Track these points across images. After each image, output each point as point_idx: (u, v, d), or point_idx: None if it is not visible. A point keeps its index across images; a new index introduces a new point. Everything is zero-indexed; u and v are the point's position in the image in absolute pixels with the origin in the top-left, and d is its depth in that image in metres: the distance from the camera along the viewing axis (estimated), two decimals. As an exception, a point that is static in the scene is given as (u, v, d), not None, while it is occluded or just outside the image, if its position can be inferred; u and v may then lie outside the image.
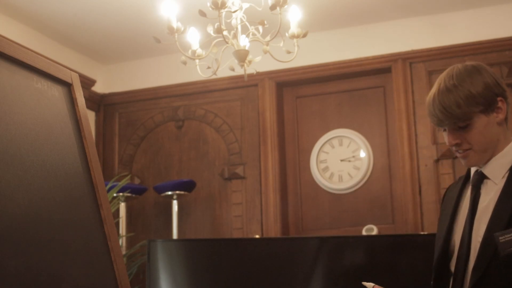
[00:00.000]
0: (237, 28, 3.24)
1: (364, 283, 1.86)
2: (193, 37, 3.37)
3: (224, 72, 3.68)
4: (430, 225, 4.25)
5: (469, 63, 1.86)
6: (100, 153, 5.10)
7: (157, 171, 5.00)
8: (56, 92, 1.54)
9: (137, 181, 4.99)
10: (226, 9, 3.07)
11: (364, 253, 3.26)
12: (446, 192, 2.06)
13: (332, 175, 4.68)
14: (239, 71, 3.56)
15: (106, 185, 3.90)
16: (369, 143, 4.62)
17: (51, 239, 1.34)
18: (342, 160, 4.68)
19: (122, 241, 4.55)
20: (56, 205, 1.40)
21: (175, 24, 3.11)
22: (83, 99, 1.64)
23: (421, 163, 4.35)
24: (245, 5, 3.23)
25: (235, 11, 3.19)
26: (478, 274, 1.71)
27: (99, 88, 5.19)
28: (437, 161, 4.32)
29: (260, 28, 3.26)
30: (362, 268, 3.21)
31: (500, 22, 4.32)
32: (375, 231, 4.35)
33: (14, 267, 1.21)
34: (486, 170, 1.84)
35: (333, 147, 4.71)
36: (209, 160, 4.87)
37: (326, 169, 4.69)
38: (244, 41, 3.24)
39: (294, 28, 3.25)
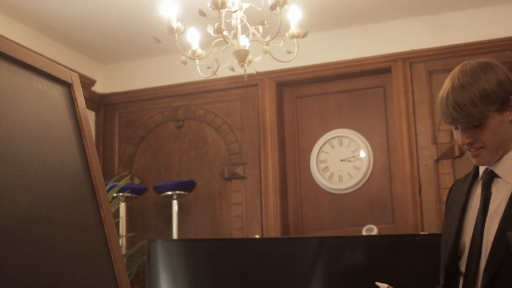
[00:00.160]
0: (237, 28, 3.24)
1: (378, 284, 1.85)
2: (193, 37, 3.37)
3: (224, 72, 3.68)
4: (430, 225, 4.25)
5: (481, 59, 1.84)
6: (100, 153, 5.10)
7: (157, 171, 5.00)
8: (56, 92, 1.54)
9: (137, 181, 4.99)
10: (226, 9, 3.07)
11: (364, 253, 3.26)
12: (451, 189, 2.04)
13: (332, 175, 4.68)
14: (239, 71, 3.56)
15: (106, 185, 3.90)
16: (369, 143, 4.62)
17: (51, 239, 1.34)
18: (342, 160, 4.68)
19: (122, 241, 4.55)
20: (56, 205, 1.40)
21: (175, 24, 3.11)
22: (83, 99, 1.64)
23: (421, 163, 4.35)
24: (245, 5, 3.23)
25: (235, 11, 3.19)
26: (490, 273, 1.70)
27: (99, 88, 5.19)
28: (437, 161, 4.32)
29: (260, 28, 3.26)
30: (362, 268, 3.21)
31: (500, 22, 4.32)
32: (375, 231, 4.35)
33: (14, 267, 1.21)
34: (497, 169, 1.82)
35: (333, 147, 4.71)
36: (209, 160, 4.87)
37: (326, 169, 4.69)
38: (244, 41, 3.24)
39: (294, 28, 3.25)
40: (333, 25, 4.63)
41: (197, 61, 3.34)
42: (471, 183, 1.91)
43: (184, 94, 5.02)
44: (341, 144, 4.70)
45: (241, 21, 3.25)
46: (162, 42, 3.22)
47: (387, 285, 1.83)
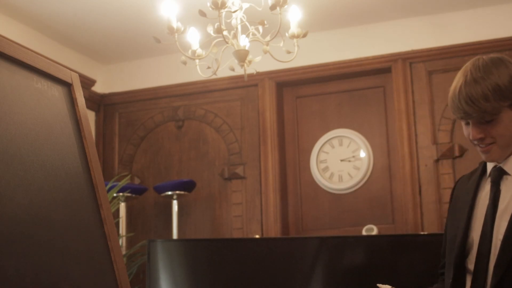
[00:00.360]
0: (237, 28, 3.24)
1: (380, 286, 1.84)
2: (193, 37, 3.37)
3: (224, 72, 3.68)
4: (430, 225, 4.25)
5: (494, 55, 1.83)
6: (100, 153, 5.10)
7: (157, 171, 5.00)
8: (56, 92, 1.54)
9: (137, 181, 4.99)
10: (226, 9, 3.07)
11: (364, 253, 3.26)
12: (456, 184, 2.03)
13: (332, 175, 4.68)
14: (239, 71, 3.56)
15: (106, 185, 3.90)
16: (369, 143, 4.62)
17: (51, 239, 1.34)
18: (342, 160, 4.68)
19: (122, 241, 4.55)
20: (56, 205, 1.40)
21: (175, 24, 3.11)
22: (83, 99, 1.64)
23: (421, 163, 4.35)
24: (245, 5, 3.23)
25: (235, 11, 3.19)
26: (500, 272, 1.70)
27: (99, 88, 5.19)
28: (437, 161, 4.32)
29: (260, 28, 3.25)
30: (362, 268, 3.21)
31: (500, 22, 4.32)
32: (375, 231, 4.35)
33: (14, 267, 1.21)
34: (506, 166, 1.82)
35: (333, 147, 4.71)
36: (209, 160, 4.87)
37: (326, 169, 4.69)
38: (244, 41, 3.24)
39: (294, 28, 3.25)
40: (333, 25, 4.63)
41: (197, 61, 3.34)
42: (478, 180, 1.89)
43: (184, 94, 5.02)
44: (341, 144, 4.70)
45: (241, 21, 3.25)
46: (162, 42, 3.22)
47: (390, 286, 1.82)
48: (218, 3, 2.97)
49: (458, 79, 1.80)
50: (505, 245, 1.71)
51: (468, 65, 1.82)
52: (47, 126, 1.46)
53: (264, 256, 3.35)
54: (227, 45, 3.23)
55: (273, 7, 3.03)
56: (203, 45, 3.38)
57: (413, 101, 4.44)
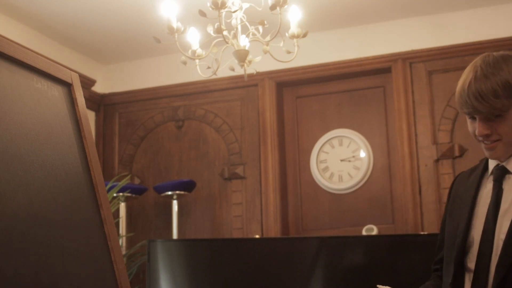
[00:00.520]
0: (237, 28, 3.24)
1: (379, 286, 1.84)
2: (193, 37, 3.37)
3: (224, 72, 3.68)
4: (430, 225, 4.25)
5: (503, 51, 1.82)
6: (100, 153, 5.10)
7: (157, 171, 5.00)
8: (56, 92, 1.54)
9: (137, 181, 4.99)
10: (226, 9, 3.07)
11: (364, 253, 3.26)
12: (455, 181, 2.02)
13: (332, 175, 4.68)
14: (239, 71, 3.56)
15: (106, 185, 3.90)
16: (369, 143, 4.62)
17: (51, 239, 1.34)
18: (342, 160, 4.68)
19: (122, 241, 4.55)
20: (56, 205, 1.40)
21: (175, 24, 3.11)
22: (83, 99, 1.63)
23: (421, 163, 4.35)
24: (245, 5, 3.23)
25: (235, 11, 3.19)
26: (502, 272, 1.69)
27: (99, 88, 5.19)
28: (437, 161, 4.32)
29: (260, 28, 3.25)
30: (362, 268, 3.21)
31: (500, 22, 4.32)
32: (375, 231, 4.35)
33: (14, 267, 1.21)
34: (510, 165, 1.81)
35: (333, 147, 4.71)
36: (209, 160, 4.87)
37: (326, 169, 4.69)
38: (244, 41, 3.24)
39: (294, 28, 3.25)
40: (333, 25, 4.63)
41: (197, 61, 3.34)
42: (480, 178, 1.88)
43: (184, 94, 5.02)
44: (341, 144, 4.70)
45: (241, 21, 3.25)
46: (162, 42, 3.22)
47: None
48: (218, 3, 2.97)
49: (467, 74, 1.78)
50: (507, 245, 1.71)
51: (477, 60, 1.80)
52: (47, 126, 1.46)
53: (264, 256, 3.35)
54: (227, 45, 3.23)
55: (273, 7, 3.03)
56: (203, 45, 3.38)
57: (413, 101, 4.44)
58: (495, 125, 1.76)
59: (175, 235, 4.59)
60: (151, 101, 5.11)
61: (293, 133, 4.85)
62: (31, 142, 1.39)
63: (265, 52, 3.29)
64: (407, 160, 4.37)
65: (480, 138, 1.80)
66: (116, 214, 4.58)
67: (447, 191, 4.21)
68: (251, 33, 3.27)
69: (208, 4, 3.02)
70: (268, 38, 3.21)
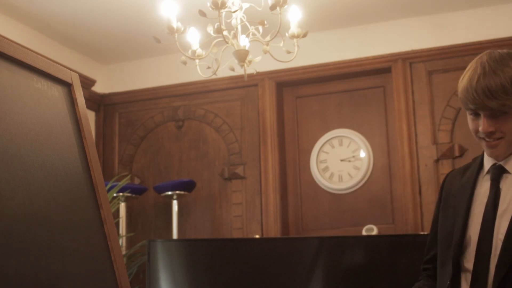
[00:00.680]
0: (237, 28, 3.24)
1: None
2: (193, 37, 3.37)
3: (224, 72, 3.68)
4: (430, 225, 4.24)
5: (506, 49, 1.82)
6: (100, 153, 5.10)
7: (157, 171, 5.00)
8: (56, 92, 1.54)
9: (137, 181, 4.99)
10: (226, 9, 3.07)
11: (364, 253, 3.26)
12: (446, 179, 2.01)
13: (332, 175, 4.68)
14: (239, 71, 3.56)
15: (106, 185, 3.90)
16: (369, 143, 4.62)
17: (51, 239, 1.34)
18: (342, 160, 4.68)
19: (122, 241, 4.55)
20: (56, 205, 1.40)
21: (175, 24, 3.11)
22: (83, 99, 1.63)
23: (421, 163, 4.35)
24: (245, 5, 3.23)
25: (235, 11, 3.19)
26: (502, 272, 1.69)
27: (99, 88, 5.19)
28: (437, 161, 4.32)
29: (260, 28, 3.25)
30: (362, 268, 3.21)
31: (500, 22, 4.32)
32: (375, 231, 4.35)
33: (14, 267, 1.21)
34: (508, 165, 1.81)
35: (333, 147, 4.71)
36: (209, 160, 4.87)
37: (326, 169, 4.69)
38: (244, 41, 3.24)
39: (294, 28, 3.25)
40: (333, 25, 4.63)
41: (197, 61, 3.34)
42: (475, 177, 1.88)
43: (184, 94, 5.02)
44: (341, 144, 4.70)
45: (241, 21, 3.25)
46: (162, 42, 3.22)
47: None
48: (218, 3, 2.97)
49: (473, 70, 1.77)
50: (507, 245, 1.70)
51: (482, 56, 1.79)
52: (47, 126, 1.46)
53: (264, 256, 3.35)
54: (227, 45, 3.23)
55: (273, 7, 3.03)
56: (203, 45, 3.38)
57: (413, 101, 4.44)
58: (499, 123, 1.76)
59: (175, 235, 4.59)
60: (151, 101, 5.11)
61: (293, 133, 4.85)
62: (31, 142, 1.39)
63: (265, 52, 3.29)
64: (407, 160, 4.37)
65: (482, 135, 1.79)
66: (116, 214, 4.58)
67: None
68: (251, 33, 3.27)
69: (208, 4, 3.02)
70: (268, 38, 3.21)
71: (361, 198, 4.59)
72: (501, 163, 1.82)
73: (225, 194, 4.78)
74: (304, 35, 3.26)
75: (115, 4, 4.16)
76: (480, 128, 1.77)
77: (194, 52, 3.34)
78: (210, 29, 3.20)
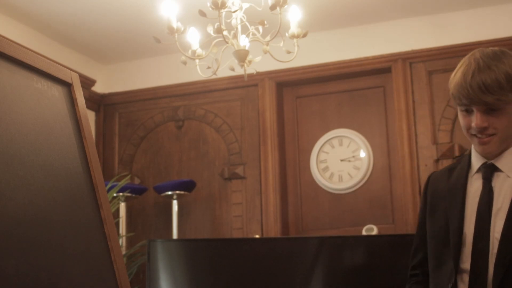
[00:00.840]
0: (237, 28, 3.24)
1: None
2: (193, 37, 3.37)
3: (224, 72, 3.68)
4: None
5: (496, 47, 1.82)
6: (100, 153, 5.10)
7: (157, 171, 5.00)
8: (56, 92, 1.54)
9: (137, 181, 4.99)
10: (226, 9, 3.07)
11: (364, 253, 3.26)
12: (429, 182, 1.98)
13: (332, 175, 4.68)
14: (239, 71, 3.56)
15: (106, 185, 3.90)
16: (369, 143, 4.62)
17: (51, 239, 1.34)
18: (342, 160, 4.68)
19: (122, 241, 4.55)
20: (56, 205, 1.40)
21: (175, 24, 3.11)
22: (83, 99, 1.63)
23: (421, 163, 4.35)
24: (245, 5, 3.23)
25: (235, 11, 3.19)
26: (502, 271, 1.68)
27: (99, 88, 5.19)
28: (437, 161, 4.32)
29: (260, 28, 3.26)
30: (362, 268, 3.21)
31: (500, 22, 4.32)
32: (375, 231, 4.35)
33: (14, 267, 1.21)
34: (499, 163, 1.80)
35: (333, 147, 4.71)
36: (209, 160, 4.87)
37: (326, 169, 4.69)
38: (244, 41, 3.24)
39: (294, 28, 3.25)
40: (333, 25, 4.63)
41: (197, 61, 3.34)
42: (466, 176, 1.86)
43: (184, 94, 5.02)
44: (341, 144, 4.70)
45: (241, 21, 3.25)
46: (162, 42, 3.22)
47: None
48: (218, 3, 2.97)
49: (467, 66, 1.76)
50: (505, 244, 1.70)
51: (475, 53, 1.79)
52: (47, 126, 1.46)
53: (264, 256, 3.35)
54: (227, 45, 3.23)
55: (273, 7, 3.03)
56: (203, 45, 3.38)
57: (413, 101, 4.44)
58: (493, 119, 1.75)
59: (175, 235, 4.59)
60: (151, 101, 5.11)
61: (293, 133, 4.85)
62: (31, 142, 1.39)
63: (265, 52, 3.29)
64: (407, 160, 4.37)
65: (475, 132, 1.78)
66: (116, 214, 4.58)
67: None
68: (251, 33, 3.27)
69: (208, 4, 3.02)
70: (268, 38, 3.21)
71: (361, 198, 4.59)
72: (492, 161, 1.81)
73: (225, 194, 4.78)
74: (304, 35, 3.26)
75: (115, 4, 4.16)
76: (473, 124, 1.76)
77: (194, 52, 3.34)
78: (210, 29, 3.20)
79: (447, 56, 4.38)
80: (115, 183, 4.34)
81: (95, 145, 1.65)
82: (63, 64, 4.34)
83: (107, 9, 4.23)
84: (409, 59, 4.49)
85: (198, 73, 3.38)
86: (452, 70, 1.87)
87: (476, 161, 1.86)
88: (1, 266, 1.18)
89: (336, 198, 4.65)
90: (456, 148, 4.27)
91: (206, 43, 3.37)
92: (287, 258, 3.28)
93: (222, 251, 3.41)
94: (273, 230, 4.58)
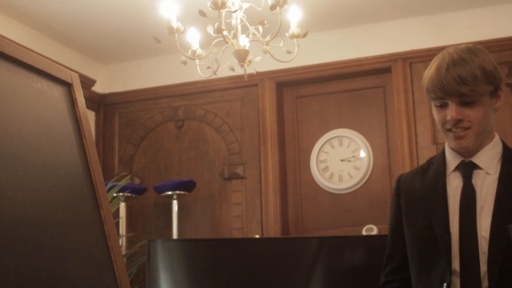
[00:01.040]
0: (237, 28, 3.24)
1: None
2: (193, 37, 3.37)
3: (224, 72, 3.68)
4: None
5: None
6: (100, 153, 5.10)
7: (157, 171, 5.00)
8: (56, 92, 1.54)
9: (137, 181, 4.99)
10: (226, 9, 3.07)
11: (364, 253, 3.26)
12: (399, 184, 1.94)
13: (332, 175, 4.68)
14: (239, 71, 3.56)
15: (106, 185, 3.90)
16: (369, 143, 4.62)
17: (51, 239, 1.34)
18: (342, 160, 4.68)
19: (122, 241, 4.55)
20: (56, 205, 1.40)
21: (175, 24, 3.11)
22: (83, 99, 1.63)
23: (421, 163, 4.34)
24: (245, 5, 3.23)
25: (235, 11, 3.19)
26: (497, 269, 1.66)
27: (99, 88, 5.19)
28: (437, 161, 4.32)
29: (260, 28, 3.25)
30: (362, 268, 3.21)
31: (500, 22, 4.32)
32: (375, 231, 4.35)
33: (14, 267, 1.21)
34: (477, 160, 1.79)
35: (333, 147, 4.71)
36: (209, 160, 4.87)
37: (326, 169, 4.69)
38: (244, 41, 3.24)
39: (294, 28, 3.25)
40: (333, 25, 4.63)
41: (197, 61, 3.34)
42: (443, 176, 1.83)
43: (184, 94, 5.02)
44: (341, 144, 4.70)
45: (241, 21, 3.25)
46: (162, 42, 3.22)
47: None
48: (218, 3, 2.97)
49: (441, 60, 1.76)
50: (494, 242, 1.68)
51: (449, 49, 1.80)
52: (47, 126, 1.46)
53: (264, 256, 3.34)
54: (227, 45, 3.23)
55: (273, 7, 3.03)
56: (203, 45, 3.38)
57: (413, 101, 4.44)
58: (467, 111, 1.74)
59: (175, 235, 4.59)
60: (151, 101, 5.11)
61: (293, 133, 4.85)
62: (31, 142, 1.39)
63: (265, 52, 3.29)
64: (407, 160, 4.37)
65: (450, 126, 1.77)
66: (116, 214, 4.58)
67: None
68: (251, 33, 3.27)
69: (208, 4, 3.02)
70: (268, 38, 3.21)
71: (361, 198, 4.59)
72: (471, 159, 1.80)
73: (225, 194, 4.78)
74: (304, 35, 3.26)
75: (115, 4, 4.16)
76: (449, 117, 1.75)
77: (194, 52, 3.34)
78: (210, 29, 3.20)
79: (447, 56, 4.37)
80: (115, 183, 4.34)
81: (95, 145, 1.65)
82: (63, 64, 4.34)
83: (107, 9, 4.23)
84: (409, 59, 4.49)
85: (198, 73, 3.38)
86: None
87: (453, 160, 1.84)
88: (1, 266, 1.18)
89: (336, 198, 4.65)
90: (456, 148, 4.27)
91: (206, 43, 3.37)
92: (287, 258, 3.28)
93: (222, 251, 3.41)
94: (273, 230, 4.58)
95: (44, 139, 1.44)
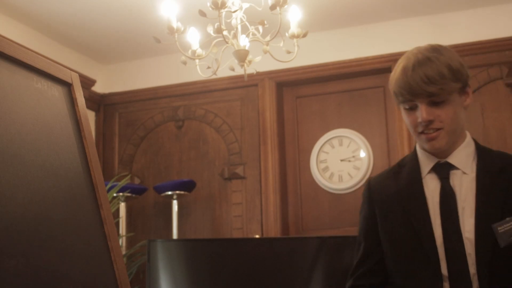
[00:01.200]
0: (237, 28, 3.24)
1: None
2: (193, 37, 3.37)
3: (224, 72, 3.68)
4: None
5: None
6: (100, 153, 5.10)
7: (157, 171, 5.00)
8: (56, 92, 1.54)
9: (137, 181, 4.99)
10: (226, 9, 3.07)
11: (364, 253, 3.25)
12: (370, 188, 1.90)
13: (332, 175, 4.68)
14: (239, 71, 3.56)
15: (106, 185, 3.90)
16: (369, 143, 4.62)
17: (51, 239, 1.34)
18: (342, 160, 4.68)
19: (122, 241, 4.55)
20: (56, 205, 1.40)
21: (175, 24, 3.11)
22: (83, 99, 1.63)
23: (421, 163, 4.35)
24: (245, 5, 3.23)
25: (235, 11, 3.19)
26: (486, 271, 1.64)
27: (99, 88, 5.19)
28: (437, 161, 4.32)
29: (260, 28, 3.26)
30: (362, 268, 3.20)
31: (500, 22, 4.32)
32: (375, 231, 4.35)
33: (14, 267, 1.21)
34: (453, 160, 1.76)
35: (333, 147, 4.71)
36: (209, 160, 4.87)
37: (326, 169, 4.69)
38: (244, 41, 3.24)
39: (294, 28, 3.25)
40: (333, 25, 4.63)
41: (197, 61, 3.34)
42: (419, 179, 1.79)
43: (184, 94, 5.02)
44: (341, 144, 4.70)
45: (241, 21, 3.25)
46: (162, 42, 3.22)
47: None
48: (218, 3, 2.97)
49: (406, 62, 1.73)
50: (481, 243, 1.66)
51: (413, 50, 1.77)
52: (47, 126, 1.46)
53: (264, 256, 3.34)
54: (227, 45, 3.23)
55: (273, 7, 3.03)
56: (203, 45, 3.38)
57: (413, 101, 4.44)
58: (438, 111, 1.71)
59: (175, 235, 4.59)
60: (151, 101, 5.11)
61: (293, 133, 4.85)
62: (31, 142, 1.39)
63: (265, 52, 3.29)
64: (407, 160, 4.36)
65: (421, 128, 1.74)
66: (116, 214, 4.58)
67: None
68: (251, 33, 3.27)
69: (208, 4, 3.02)
70: (268, 38, 3.21)
71: (361, 198, 4.58)
72: (446, 159, 1.77)
73: (225, 194, 4.78)
74: (304, 35, 3.26)
75: (115, 4, 4.16)
76: (419, 118, 1.72)
77: (194, 52, 3.34)
78: (210, 29, 3.20)
79: (447, 56, 4.37)
80: (115, 183, 4.34)
81: (95, 145, 1.65)
82: (63, 64, 4.34)
83: (107, 9, 4.23)
84: (409, 59, 4.49)
85: (198, 73, 3.38)
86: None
87: (426, 161, 1.81)
88: (1, 266, 1.18)
89: (336, 198, 4.66)
90: (456, 148, 4.27)
91: (206, 43, 3.37)
92: (287, 258, 3.28)
93: (222, 251, 3.41)
94: (273, 230, 4.58)
95: (44, 139, 1.44)
